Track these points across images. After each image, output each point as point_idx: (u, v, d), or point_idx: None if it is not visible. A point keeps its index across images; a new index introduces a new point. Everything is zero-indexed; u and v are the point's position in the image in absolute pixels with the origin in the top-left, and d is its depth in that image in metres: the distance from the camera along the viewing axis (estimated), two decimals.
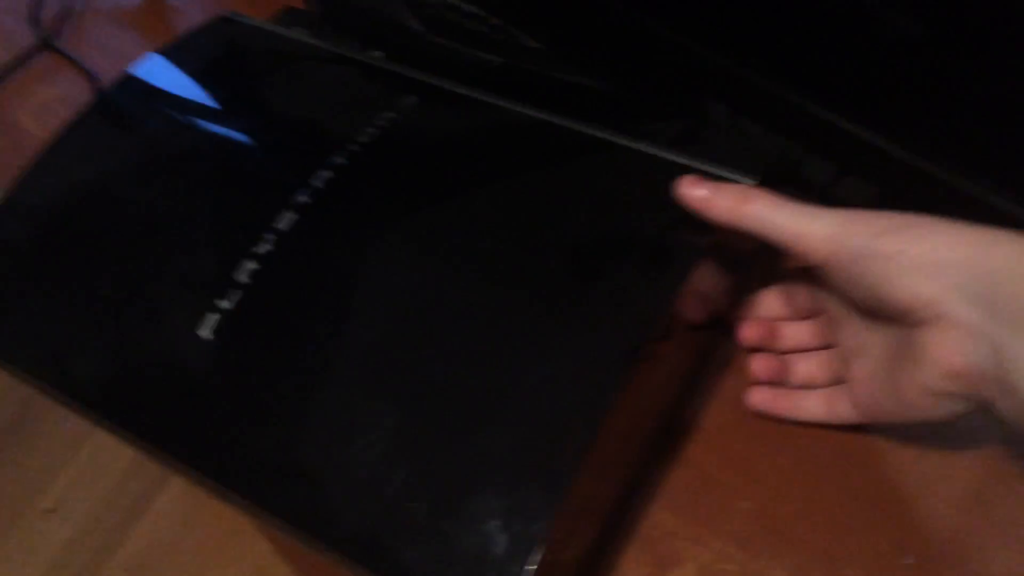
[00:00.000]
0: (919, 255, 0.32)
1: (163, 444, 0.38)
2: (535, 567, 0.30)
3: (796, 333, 0.43)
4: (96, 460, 1.35)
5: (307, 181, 0.41)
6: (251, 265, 0.39)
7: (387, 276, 0.38)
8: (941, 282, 0.32)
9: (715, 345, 0.45)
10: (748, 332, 0.43)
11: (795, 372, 0.42)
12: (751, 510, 0.40)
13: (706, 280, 0.39)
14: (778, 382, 0.43)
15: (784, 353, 0.43)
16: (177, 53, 0.49)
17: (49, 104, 0.63)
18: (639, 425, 0.39)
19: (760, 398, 0.42)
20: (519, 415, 0.33)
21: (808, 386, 0.42)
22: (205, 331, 0.38)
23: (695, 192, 0.37)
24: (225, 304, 0.38)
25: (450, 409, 0.34)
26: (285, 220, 0.40)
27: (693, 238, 0.37)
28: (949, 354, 0.32)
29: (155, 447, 0.38)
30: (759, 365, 0.42)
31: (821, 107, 0.42)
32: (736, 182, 0.38)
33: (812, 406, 0.42)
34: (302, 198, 0.40)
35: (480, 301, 0.37)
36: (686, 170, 0.38)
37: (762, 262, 0.45)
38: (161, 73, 0.49)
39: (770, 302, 0.44)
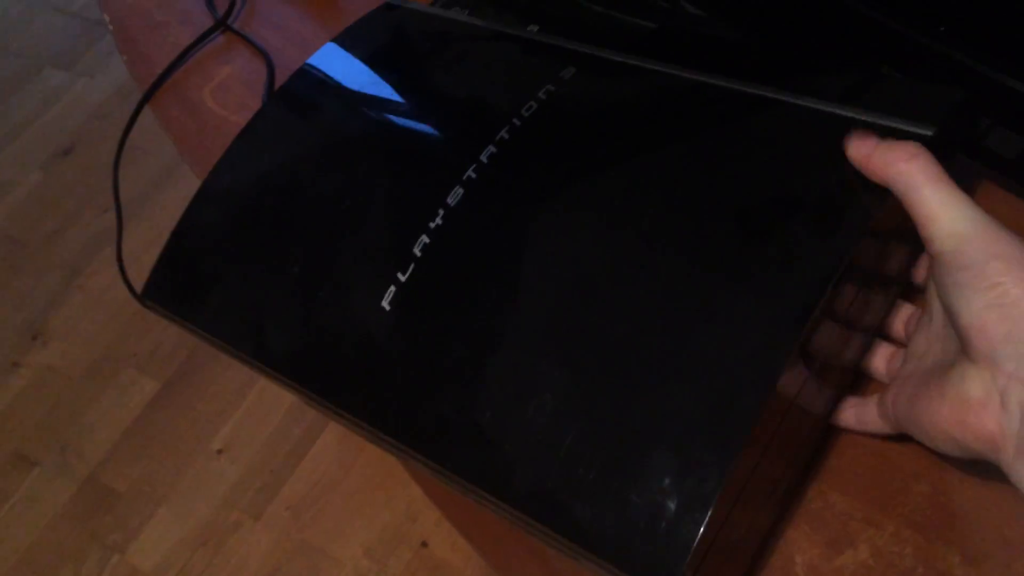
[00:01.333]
0: (1014, 296, 0.31)
1: (349, 408, 0.40)
2: (706, 526, 0.31)
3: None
4: (260, 406, 1.44)
5: (476, 157, 0.42)
6: (425, 239, 0.41)
7: (555, 242, 0.39)
8: (1017, 329, 0.30)
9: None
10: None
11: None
12: (928, 493, 0.40)
13: (877, 249, 0.38)
14: None
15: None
16: (348, 41, 0.52)
17: (226, 83, 0.66)
18: (812, 403, 0.39)
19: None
20: (690, 375, 0.34)
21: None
22: (385, 302, 0.40)
23: (860, 145, 0.36)
24: (402, 276, 0.41)
25: (620, 370, 0.35)
26: (455, 195, 0.42)
27: (867, 197, 0.36)
28: (975, 404, 0.32)
29: (342, 410, 0.41)
30: None
31: (1009, 75, 0.39)
32: (910, 133, 0.37)
33: (843, 415, 0.42)
34: (470, 174, 0.42)
35: (648, 263, 0.37)
36: (855, 124, 0.37)
37: None
38: (335, 61, 0.51)
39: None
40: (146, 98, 0.66)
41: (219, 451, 1.35)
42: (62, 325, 1.57)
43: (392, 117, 0.47)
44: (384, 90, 0.49)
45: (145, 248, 1.52)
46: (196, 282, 0.46)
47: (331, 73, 0.50)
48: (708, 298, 0.35)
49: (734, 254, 0.36)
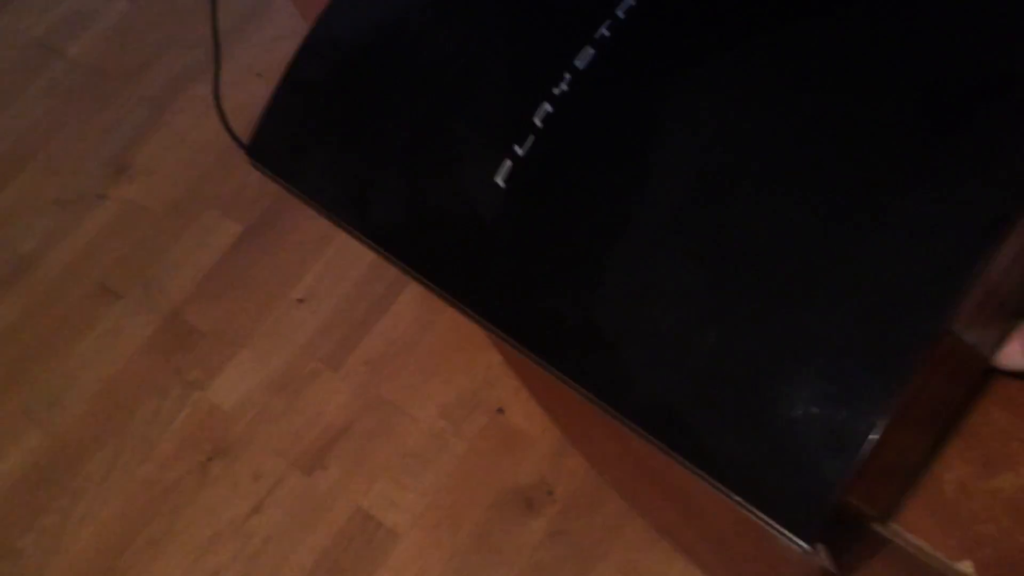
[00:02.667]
0: None
1: (454, 290, 0.37)
2: (861, 461, 0.28)
3: None
4: (342, 259, 1.43)
5: (611, 12, 0.37)
6: (547, 108, 0.36)
7: (702, 118, 0.34)
8: None
9: None
10: None
11: None
12: None
13: None
14: None
15: None
16: None
17: None
18: (988, 306, 0.34)
19: None
20: (852, 283, 0.29)
21: None
22: (499, 178, 0.36)
23: None
24: (519, 150, 0.36)
25: (767, 272, 0.31)
26: (584, 57, 0.36)
27: None
28: None
29: (445, 291, 0.38)
30: None
31: None
32: None
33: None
34: (604, 32, 0.37)
35: (811, 145, 0.32)
36: None
37: None
38: None
39: None
40: None
41: (300, 300, 1.35)
42: (147, 161, 1.57)
43: None
44: None
45: (231, 88, 1.49)
46: (301, 144, 0.43)
47: None
48: (882, 186, 0.30)
49: (914, 142, 0.31)
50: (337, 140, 0.42)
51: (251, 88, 1.46)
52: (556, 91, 0.36)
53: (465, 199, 0.37)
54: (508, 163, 0.36)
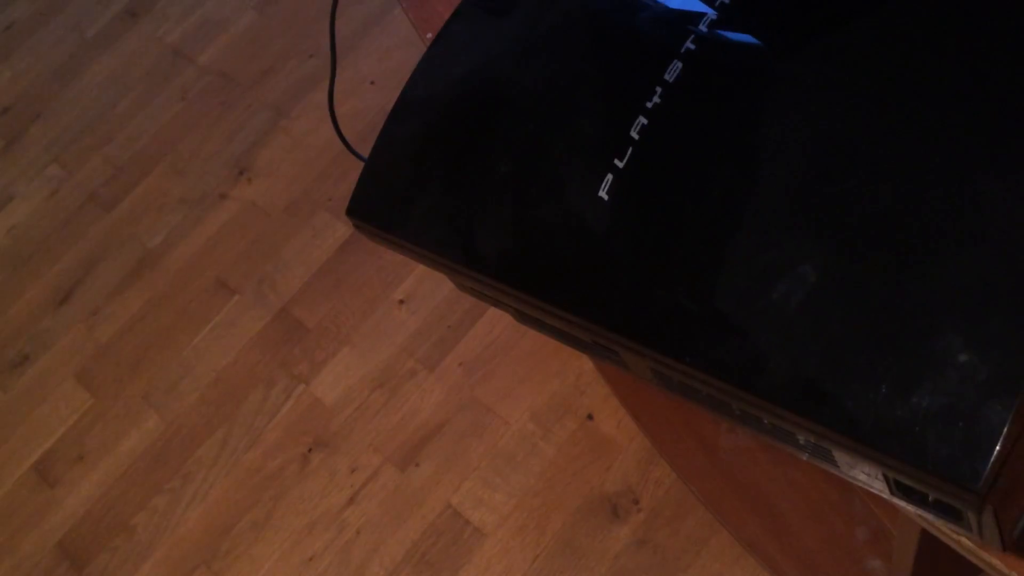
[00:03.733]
0: None
1: (572, 308, 0.38)
2: (1014, 414, 0.27)
3: None
4: None
5: (694, 26, 0.38)
6: (642, 121, 0.38)
7: (801, 107, 0.35)
8: None
9: None
10: None
11: None
12: None
13: None
14: None
15: None
16: None
17: None
18: None
19: None
20: (989, 238, 0.29)
21: None
22: (603, 192, 0.38)
23: None
24: (619, 163, 0.38)
25: (891, 239, 0.31)
26: (672, 71, 0.38)
27: None
28: None
29: (564, 312, 0.38)
30: None
31: None
32: None
33: None
34: (689, 45, 0.38)
35: (924, 114, 0.32)
36: None
37: None
38: None
39: None
40: None
41: (401, 301, 1.39)
42: (266, 164, 1.64)
43: None
44: None
45: (346, 95, 1.55)
46: (402, 196, 0.44)
47: None
48: (1001, 151, 0.30)
49: None
50: (439, 185, 0.43)
51: (365, 95, 1.52)
52: (649, 104, 0.38)
53: (572, 217, 0.38)
54: (610, 176, 0.38)
